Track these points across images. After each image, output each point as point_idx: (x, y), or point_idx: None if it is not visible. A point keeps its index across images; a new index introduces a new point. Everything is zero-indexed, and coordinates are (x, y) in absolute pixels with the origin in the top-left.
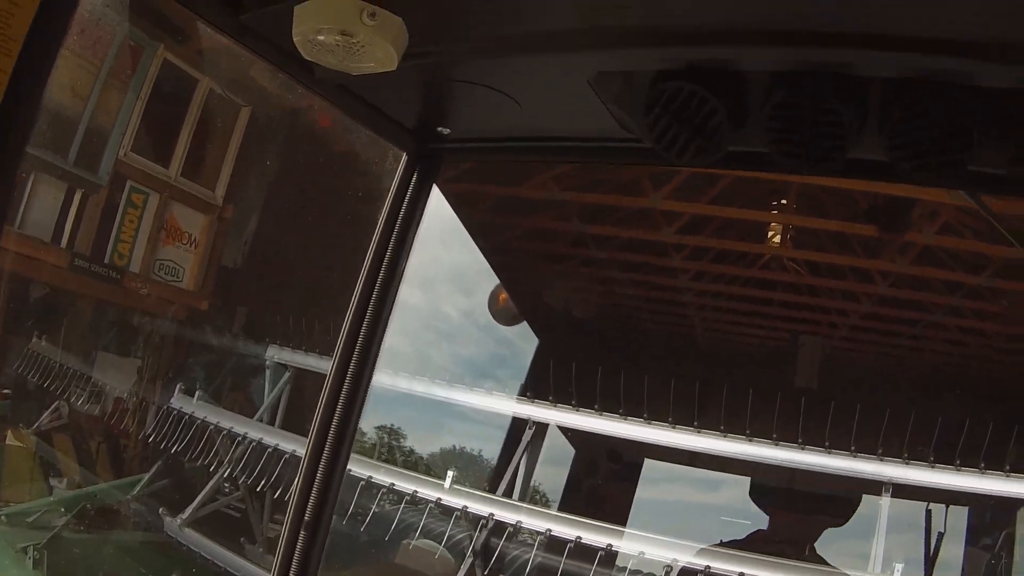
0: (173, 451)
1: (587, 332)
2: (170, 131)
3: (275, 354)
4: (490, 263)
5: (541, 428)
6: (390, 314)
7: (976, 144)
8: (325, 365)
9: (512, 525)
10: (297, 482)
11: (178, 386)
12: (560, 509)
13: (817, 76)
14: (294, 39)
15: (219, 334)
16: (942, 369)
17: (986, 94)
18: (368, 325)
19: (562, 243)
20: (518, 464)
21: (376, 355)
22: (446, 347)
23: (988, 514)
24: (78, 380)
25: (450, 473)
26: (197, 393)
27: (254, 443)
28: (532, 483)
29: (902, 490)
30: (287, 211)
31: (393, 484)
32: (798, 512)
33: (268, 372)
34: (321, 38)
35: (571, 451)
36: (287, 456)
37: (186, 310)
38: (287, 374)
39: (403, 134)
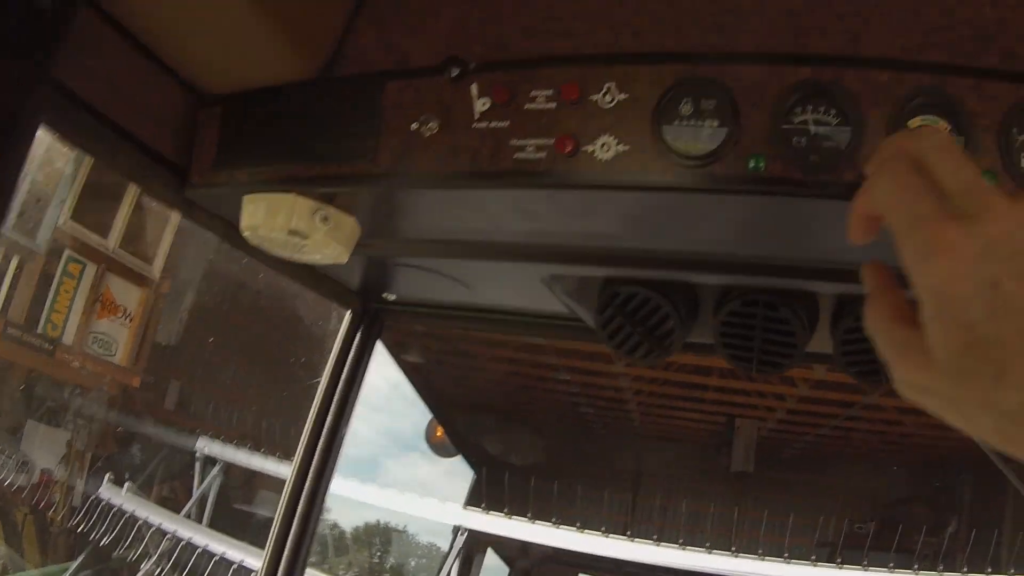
0: (101, 543)
1: (518, 438)
2: (110, 201)
3: (204, 446)
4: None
5: (473, 536)
6: (335, 465)
7: None
8: (257, 462)
9: None
10: None
11: (107, 476)
12: None
13: (768, 291)
14: (241, 229)
15: (151, 419)
16: (880, 451)
17: None
18: (315, 473)
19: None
20: (450, 571)
21: (323, 498)
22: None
23: None
24: (5, 449)
25: None
26: (126, 484)
27: (183, 542)
28: None
29: None
30: (224, 291)
31: None
32: None
33: (197, 465)
34: (271, 235)
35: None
36: (216, 558)
37: (118, 386)
38: (216, 468)
39: (347, 295)
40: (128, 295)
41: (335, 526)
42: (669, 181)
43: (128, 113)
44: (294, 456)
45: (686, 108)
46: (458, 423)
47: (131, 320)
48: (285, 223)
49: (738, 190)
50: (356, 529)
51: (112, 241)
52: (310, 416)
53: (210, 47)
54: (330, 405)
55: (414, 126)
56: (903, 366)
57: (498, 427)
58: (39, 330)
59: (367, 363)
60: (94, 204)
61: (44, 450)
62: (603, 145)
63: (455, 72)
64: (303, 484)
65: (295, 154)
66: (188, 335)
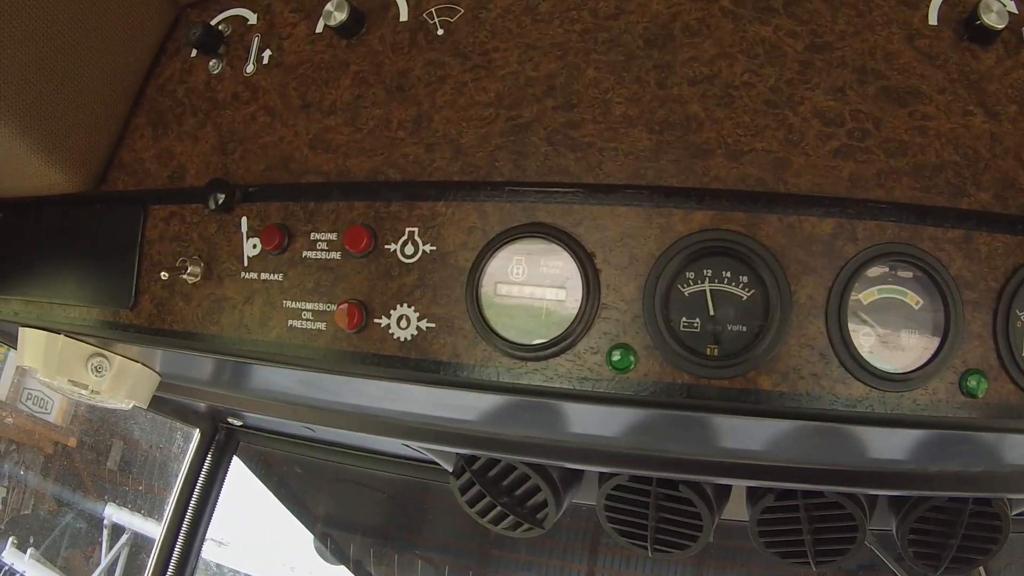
0: None
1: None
2: None
3: (113, 513)
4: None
5: None
6: None
7: (861, 541)
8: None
9: None
10: None
11: (10, 540)
12: None
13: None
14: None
15: (91, 481)
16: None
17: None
18: None
19: None
20: None
21: None
22: None
23: None
24: None
25: None
26: (29, 551)
27: None
28: None
29: None
30: None
31: None
32: None
33: (105, 533)
34: (52, 382)
35: None
36: None
37: (53, 445)
38: (124, 537)
39: (193, 416)
40: None
41: None
42: (490, 381)
43: None
44: None
45: (518, 270)
46: (336, 539)
47: None
48: (56, 370)
49: (591, 398)
50: None
51: None
52: (158, 539)
53: None
54: (178, 531)
55: (167, 275)
56: None
57: (384, 543)
58: None
59: (221, 482)
60: None
61: None
62: (401, 319)
63: (219, 199)
64: None
65: (58, 288)
66: None
